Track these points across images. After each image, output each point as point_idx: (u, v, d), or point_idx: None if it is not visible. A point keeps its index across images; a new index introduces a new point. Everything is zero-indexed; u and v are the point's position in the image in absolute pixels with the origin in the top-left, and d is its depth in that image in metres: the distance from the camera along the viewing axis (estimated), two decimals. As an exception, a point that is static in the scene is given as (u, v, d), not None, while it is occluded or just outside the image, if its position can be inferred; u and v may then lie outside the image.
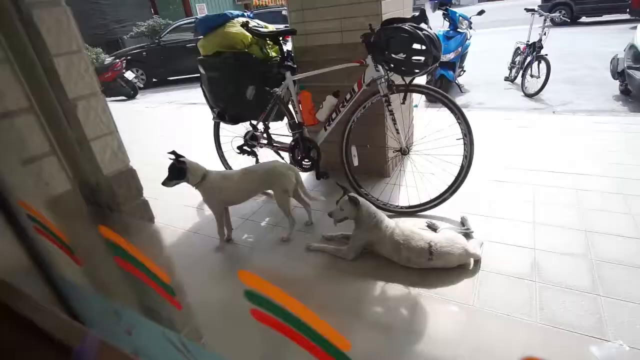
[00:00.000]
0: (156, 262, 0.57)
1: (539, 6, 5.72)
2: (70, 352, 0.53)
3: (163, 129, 5.02)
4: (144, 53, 9.48)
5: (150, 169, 3.66)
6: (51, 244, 0.70)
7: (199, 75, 2.53)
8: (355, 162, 2.30)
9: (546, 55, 4.75)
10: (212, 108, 2.57)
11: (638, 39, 4.13)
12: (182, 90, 8.68)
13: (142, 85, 9.21)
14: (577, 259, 1.72)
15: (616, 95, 4.59)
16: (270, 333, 0.42)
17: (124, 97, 8.02)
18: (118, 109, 6.78)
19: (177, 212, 2.57)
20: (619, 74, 4.46)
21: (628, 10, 9.82)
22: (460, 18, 5.06)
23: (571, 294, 1.53)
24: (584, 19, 11.83)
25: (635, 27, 4.49)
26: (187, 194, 2.83)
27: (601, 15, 11.50)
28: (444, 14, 5.09)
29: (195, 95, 7.20)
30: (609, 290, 1.52)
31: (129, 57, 9.03)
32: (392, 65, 1.91)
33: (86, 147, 0.85)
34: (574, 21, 11.38)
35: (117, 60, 8.14)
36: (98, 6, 15.50)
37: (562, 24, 9.09)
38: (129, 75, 8.10)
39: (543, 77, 4.74)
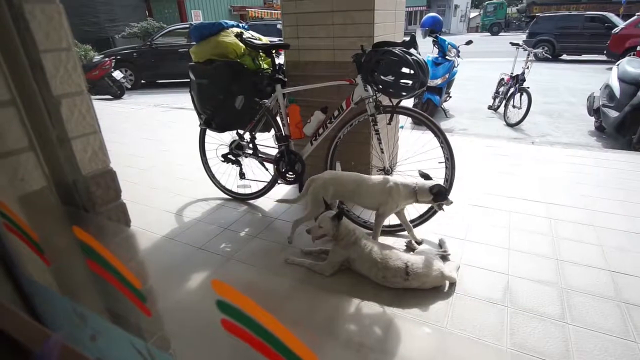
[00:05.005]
0: (129, 266, 0.56)
1: (523, 41, 5.99)
2: (30, 355, 0.52)
3: (147, 131, 4.95)
4: (135, 54, 9.41)
5: (131, 171, 3.59)
6: (20, 242, 0.68)
7: (188, 80, 2.53)
8: (339, 178, 2.32)
9: (528, 87, 4.96)
10: (199, 114, 2.55)
11: (613, 80, 4.37)
12: (171, 94, 8.63)
13: (129, 86, 9.11)
14: (548, 287, 1.76)
15: (591, 131, 4.81)
16: (240, 345, 0.42)
17: (110, 97, 7.90)
18: (103, 108, 6.66)
19: (154, 217, 2.52)
20: (594, 111, 4.69)
21: (605, 52, 10.41)
22: (449, 46, 5.24)
23: (541, 321, 1.56)
24: (564, 56, 12.46)
25: (610, 69, 4.74)
26: (166, 199, 2.79)
27: (580, 55, 12.15)
28: (433, 41, 5.26)
29: (183, 99, 7.15)
30: (577, 319, 1.56)
31: (118, 57, 8.94)
32: (380, 87, 1.96)
33: (66, 145, 0.84)
34: (555, 58, 11.97)
35: (107, 59, 8.03)
36: (91, 3, 15.37)
37: (544, 59, 9.56)
38: (117, 74, 7.99)
39: (524, 109, 4.93)
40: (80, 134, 0.86)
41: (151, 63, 9.39)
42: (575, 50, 12.12)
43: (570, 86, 7.70)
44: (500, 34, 24.95)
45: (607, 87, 4.47)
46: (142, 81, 9.78)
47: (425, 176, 2.02)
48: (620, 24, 10.65)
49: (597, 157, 3.49)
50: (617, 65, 4.54)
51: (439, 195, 1.90)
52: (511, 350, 1.43)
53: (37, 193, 0.83)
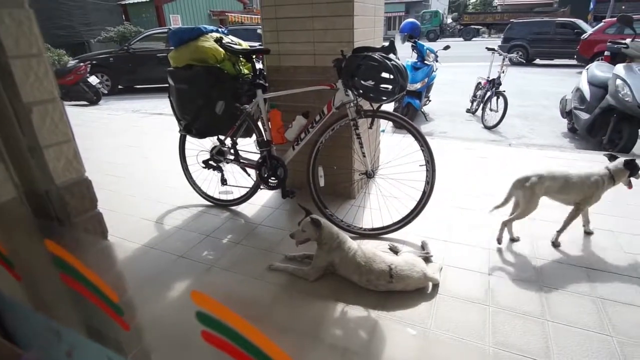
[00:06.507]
0: (106, 279, 0.54)
1: (498, 46, 6.19)
2: (-1, 376, 0.49)
3: (125, 137, 4.84)
4: (111, 59, 9.22)
5: (108, 179, 3.50)
6: (-12, 257, 0.65)
7: (167, 85, 2.49)
8: (322, 183, 2.32)
9: (504, 91, 5.10)
10: (179, 120, 2.52)
11: (583, 83, 4.54)
12: (149, 99, 8.46)
13: (106, 92, 8.90)
14: (528, 285, 1.80)
15: (564, 133, 4.98)
16: (222, 357, 0.41)
17: (85, 102, 7.69)
18: (78, 114, 6.48)
19: (133, 226, 2.45)
20: (567, 114, 4.86)
21: (575, 56, 10.83)
22: (428, 51, 5.34)
23: (522, 319, 1.60)
24: (538, 61, 12.90)
25: (581, 72, 4.93)
26: (145, 207, 2.72)
27: (552, 59, 12.62)
28: (412, 46, 5.36)
29: (162, 105, 7.04)
30: (556, 316, 1.60)
31: (94, 62, 8.73)
32: (361, 91, 1.98)
33: (38, 154, 0.81)
34: (529, 62, 12.39)
35: (82, 64, 7.83)
36: (65, 7, 15.00)
37: (519, 64, 9.88)
38: (93, 80, 7.80)
39: (501, 112, 5.07)
40: (53, 143, 0.83)
41: (128, 68, 9.22)
42: (547, 55, 12.59)
43: (544, 89, 7.97)
44: (438, 40, 27.05)
45: (578, 90, 4.65)
46: (119, 86, 9.58)
47: (611, 157, 2.07)
48: (589, 30, 11.11)
49: (570, 158, 3.61)
50: (587, 69, 4.73)
51: (634, 168, 1.95)
52: (493, 348, 1.45)
53: (7, 204, 0.80)
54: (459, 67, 11.48)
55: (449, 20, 35.39)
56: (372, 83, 1.92)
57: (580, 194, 2.04)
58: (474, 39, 26.89)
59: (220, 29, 2.49)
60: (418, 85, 5.16)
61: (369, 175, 2.26)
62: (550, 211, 2.47)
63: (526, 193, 2.04)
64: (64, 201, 0.85)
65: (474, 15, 30.84)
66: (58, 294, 0.69)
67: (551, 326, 1.55)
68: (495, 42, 15.54)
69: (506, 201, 2.13)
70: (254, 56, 2.35)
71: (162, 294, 0.77)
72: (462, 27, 29.05)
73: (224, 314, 0.36)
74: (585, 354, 1.42)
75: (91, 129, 5.32)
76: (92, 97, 7.71)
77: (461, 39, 27.00)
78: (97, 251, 0.75)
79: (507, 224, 2.12)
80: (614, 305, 1.65)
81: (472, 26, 28.36)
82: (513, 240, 2.16)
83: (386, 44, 2.07)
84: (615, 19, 8.12)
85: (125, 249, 1.98)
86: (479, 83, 5.76)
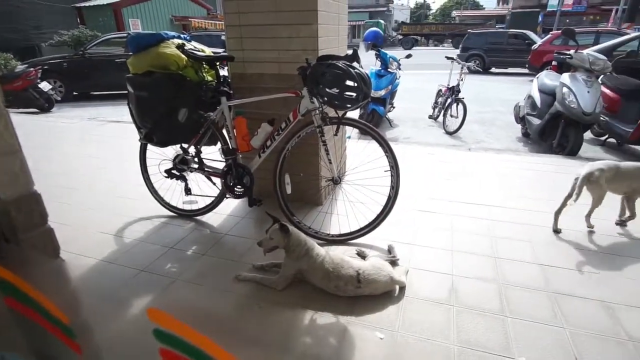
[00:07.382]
0: (57, 300, 0.51)
1: (457, 55, 6.48)
2: None
3: (81, 147, 4.60)
4: (65, 64, 8.76)
5: (62, 192, 3.31)
6: None
7: (126, 92, 2.39)
8: (289, 190, 2.31)
9: (463, 98, 5.34)
10: (139, 128, 2.42)
11: (534, 91, 4.84)
12: (106, 106, 8.11)
13: (59, 98, 8.43)
14: (488, 284, 1.88)
15: (519, 137, 5.28)
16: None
17: (36, 110, 7.24)
18: (28, 122, 6.09)
19: (90, 241, 2.32)
20: (520, 119, 5.16)
21: (527, 65, 11.56)
22: (391, 59, 5.50)
23: (483, 316, 1.66)
24: (493, 69, 13.65)
25: (532, 80, 5.26)
26: (104, 220, 2.59)
27: (507, 68, 13.41)
28: (376, 54, 5.50)
29: (120, 112, 6.75)
30: (514, 312, 1.68)
31: (45, 67, 8.26)
32: (326, 99, 2.00)
33: (-21, 167, 0.75)
34: (486, 71, 13.09)
35: (31, 69, 7.38)
36: (14, 9, 14.11)
37: (476, 72, 10.40)
38: (45, 86, 7.36)
39: (461, 118, 5.30)
40: (-3, 155, 0.78)
41: (84, 74, 8.81)
42: (501, 64, 13.40)
43: (500, 96, 8.42)
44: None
45: (530, 97, 4.95)
46: (74, 93, 9.12)
47: None
48: (538, 41, 11.91)
49: (524, 160, 3.83)
50: (537, 77, 5.05)
51: None
52: (458, 347, 1.50)
53: (-57, 223, 0.73)
54: (421, 75, 11.89)
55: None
56: (337, 91, 1.95)
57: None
58: (413, 48, 28.26)
59: (182, 35, 2.43)
60: (382, 92, 5.29)
61: (336, 181, 2.28)
62: (517, 213, 2.61)
63: (594, 186, 2.26)
64: (10, 217, 0.79)
65: (411, 26, 34.15)
66: (2, 319, 0.64)
67: (510, 322, 1.63)
68: (434, 51, 16.48)
69: (577, 195, 2.28)
70: (217, 63, 2.32)
71: (120, 311, 0.74)
72: (402, 37, 31.17)
73: (182, 331, 0.35)
74: (541, 345, 1.50)
75: (42, 138, 5.01)
76: (44, 104, 7.27)
77: (401, 48, 28.28)
78: (47, 270, 0.70)
79: (587, 217, 2.37)
80: (566, 299, 1.76)
81: (411, 36, 30.56)
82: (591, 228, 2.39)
83: (350, 52, 2.11)
84: (560, 31, 8.75)
85: (80, 265, 1.86)
86: (440, 90, 6.00)
